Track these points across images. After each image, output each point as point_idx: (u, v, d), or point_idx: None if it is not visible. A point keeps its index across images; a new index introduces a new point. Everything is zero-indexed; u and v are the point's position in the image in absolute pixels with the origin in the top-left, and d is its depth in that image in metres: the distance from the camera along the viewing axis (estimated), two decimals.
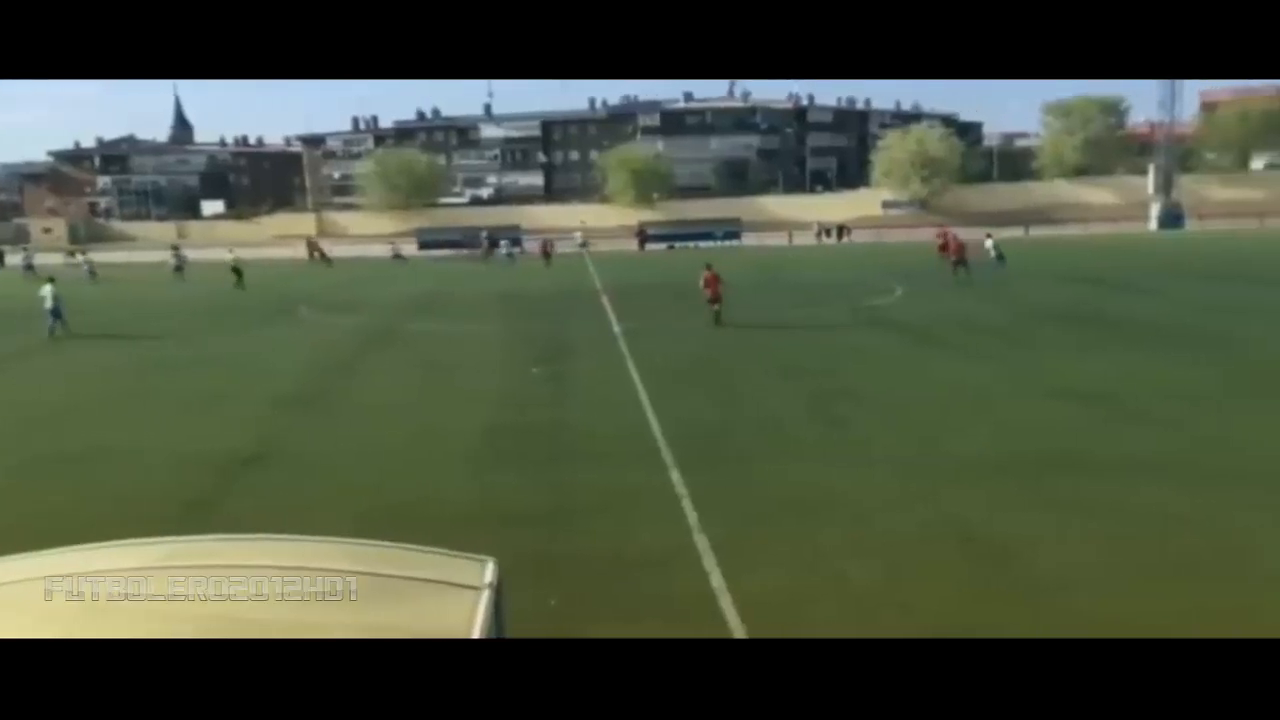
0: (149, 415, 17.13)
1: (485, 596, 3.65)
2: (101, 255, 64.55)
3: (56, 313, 28.44)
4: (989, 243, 41.70)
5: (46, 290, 29.11)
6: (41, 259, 60.68)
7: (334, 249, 69.10)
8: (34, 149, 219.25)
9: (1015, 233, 66.86)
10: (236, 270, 44.29)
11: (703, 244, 67.24)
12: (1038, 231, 74.11)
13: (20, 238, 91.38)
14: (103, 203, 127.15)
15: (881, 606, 8.13)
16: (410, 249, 69.09)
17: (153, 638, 3.04)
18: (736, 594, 8.30)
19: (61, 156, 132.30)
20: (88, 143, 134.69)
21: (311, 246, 64.31)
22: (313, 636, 3.15)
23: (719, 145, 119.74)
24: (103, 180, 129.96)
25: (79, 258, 58.56)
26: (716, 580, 8.69)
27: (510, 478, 12.38)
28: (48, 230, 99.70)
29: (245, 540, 4.22)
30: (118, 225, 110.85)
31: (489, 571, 3.87)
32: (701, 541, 9.71)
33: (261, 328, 29.62)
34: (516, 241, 65.47)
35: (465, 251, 62.38)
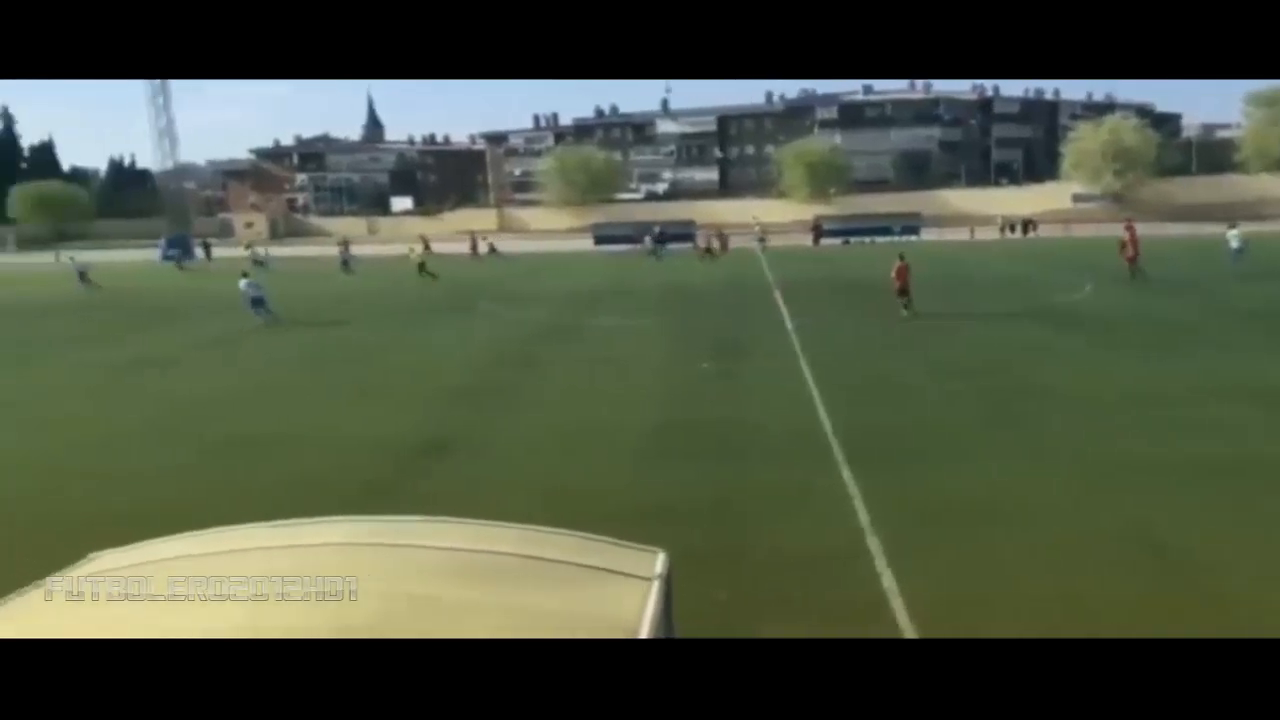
0: (333, 402, 17.97)
1: (655, 588, 3.68)
2: (296, 250, 67.76)
3: (259, 301, 30.18)
4: (1232, 233, 38.66)
5: (243, 283, 30.96)
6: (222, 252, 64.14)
7: (507, 243, 70.78)
8: (237, 147, 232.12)
9: (1217, 229, 63.07)
10: (422, 265, 45.69)
11: (879, 239, 65.89)
12: (1243, 228, 69.64)
13: (225, 232, 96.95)
14: (300, 198, 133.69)
15: (1058, 613, 7.83)
16: (583, 243, 70.00)
17: (326, 616, 3.19)
18: (908, 597, 8.14)
19: (262, 154, 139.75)
20: (287, 141, 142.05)
21: (473, 242, 65.83)
22: (483, 619, 3.24)
23: (899, 137, 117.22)
24: (300, 177, 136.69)
25: (259, 251, 61.84)
26: (888, 582, 8.54)
27: (680, 472, 12.44)
28: (249, 225, 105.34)
29: (420, 522, 4.37)
30: (314, 220, 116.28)
31: (660, 563, 3.90)
32: (873, 543, 9.56)
33: (443, 320, 30.58)
34: (664, 237, 65.47)
35: (637, 246, 62.77)
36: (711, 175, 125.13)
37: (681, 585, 4.07)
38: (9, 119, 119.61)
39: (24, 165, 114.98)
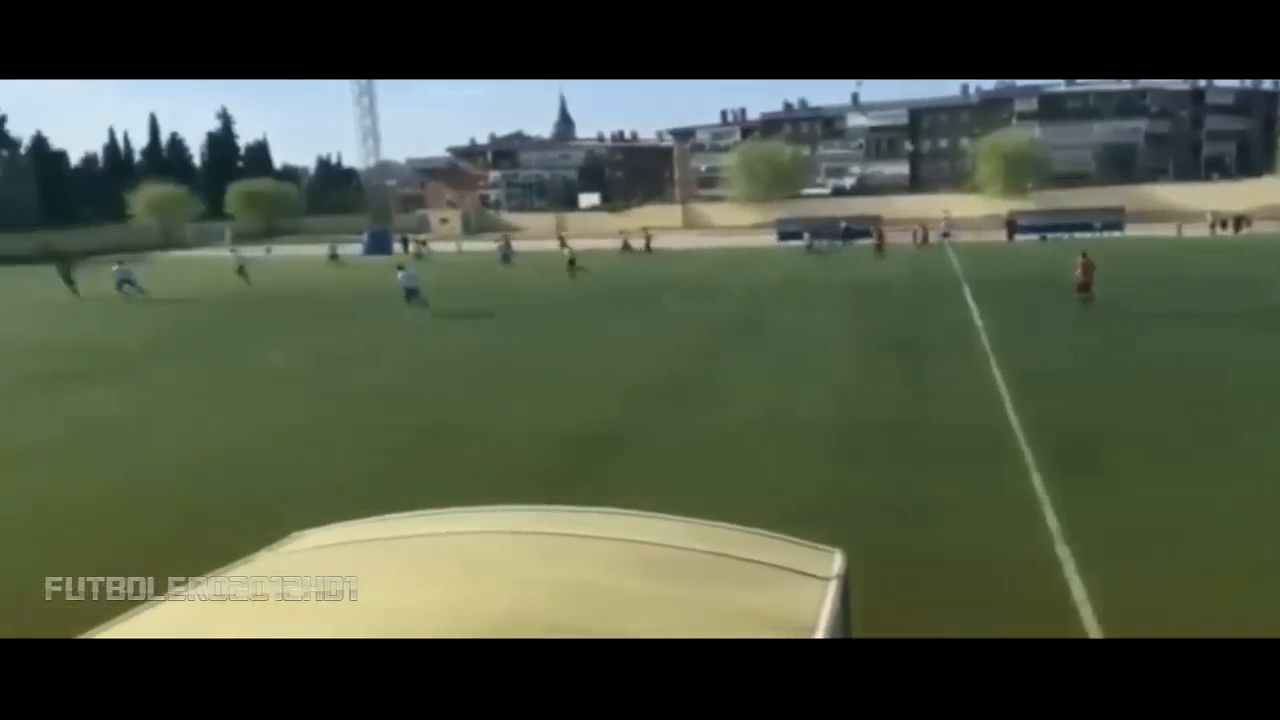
0: (512, 393, 18.44)
1: (833, 587, 3.64)
2: (482, 245, 69.81)
3: (413, 292, 31.50)
4: None
5: (401, 274, 32.42)
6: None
7: (688, 240, 70.91)
8: (436, 146, 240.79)
9: None
10: (571, 262, 46.53)
11: (1079, 235, 63.07)
12: None
13: (422, 227, 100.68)
14: (493, 195, 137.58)
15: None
16: (770, 238, 69.62)
17: (511, 600, 3.29)
18: (1099, 608, 7.80)
19: (458, 152, 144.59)
20: (482, 139, 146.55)
21: (625, 237, 66.58)
22: (656, 612, 3.28)
23: (1102, 130, 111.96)
24: (493, 174, 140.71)
25: (418, 248, 64.84)
26: (1078, 592, 8.21)
27: (860, 470, 12.26)
28: (445, 220, 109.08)
29: (597, 513, 4.45)
30: (505, 216, 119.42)
31: (837, 563, 3.87)
32: (1063, 551, 9.20)
33: (622, 314, 30.94)
34: (850, 232, 64.09)
35: (823, 241, 61.92)
36: (902, 169, 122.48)
37: (859, 587, 4.02)
38: (228, 120, 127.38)
39: (240, 164, 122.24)
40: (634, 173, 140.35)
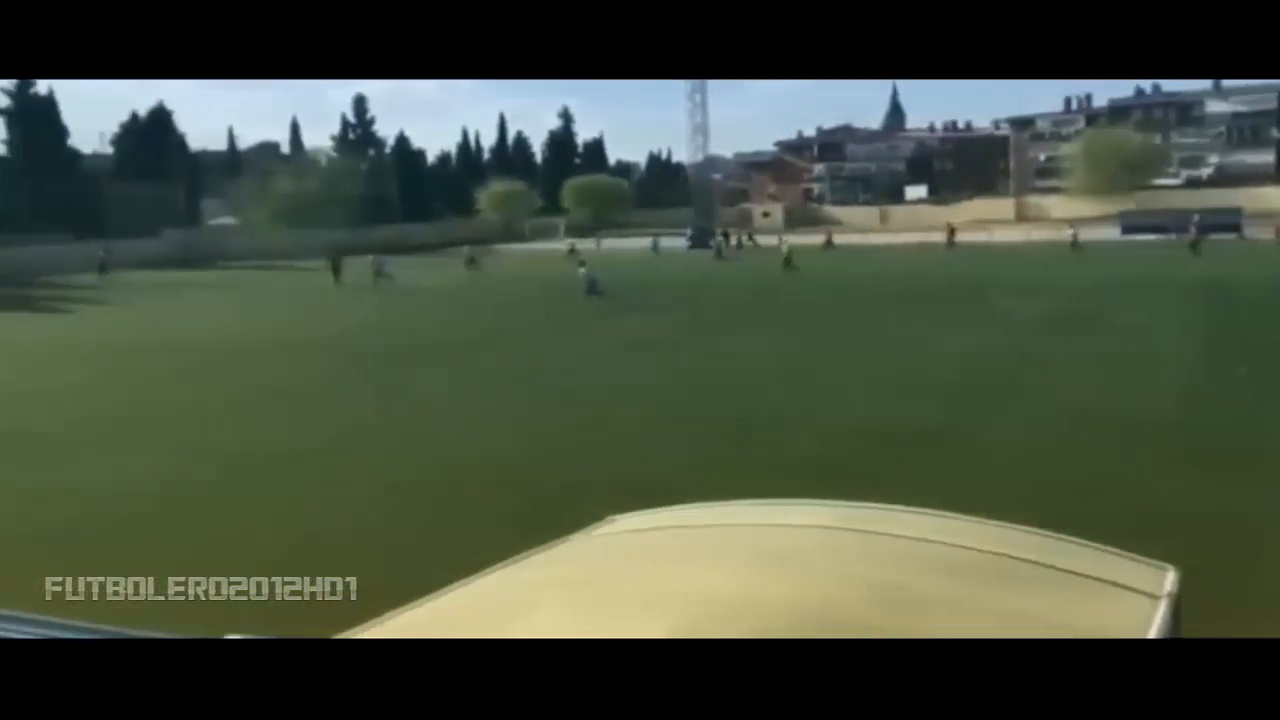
0: (825, 386, 18.32)
1: (1163, 607, 3.38)
2: (805, 238, 69.82)
3: (594, 283, 36.73)
4: None
5: (581, 271, 38.28)
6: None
7: (1016, 233, 67.90)
8: (763, 140, 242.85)
9: None
10: (788, 259, 45.91)
11: None
12: None
13: (743, 221, 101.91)
14: (816, 189, 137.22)
15: None
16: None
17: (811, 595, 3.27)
18: None
19: (785, 146, 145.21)
20: (809, 132, 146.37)
21: (950, 232, 64.77)
22: (965, 619, 3.16)
23: None
24: (818, 168, 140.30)
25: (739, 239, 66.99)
26: None
27: (1193, 481, 11.33)
28: (766, 214, 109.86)
29: (906, 512, 4.34)
30: (828, 209, 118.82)
31: (1170, 581, 3.59)
32: None
33: (949, 308, 30.03)
34: (1167, 227, 58.75)
35: (1172, 236, 57.28)
36: (1267, 158, 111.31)
37: (1189, 608, 3.71)
38: (568, 119, 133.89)
39: (577, 161, 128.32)
40: (964, 164, 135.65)
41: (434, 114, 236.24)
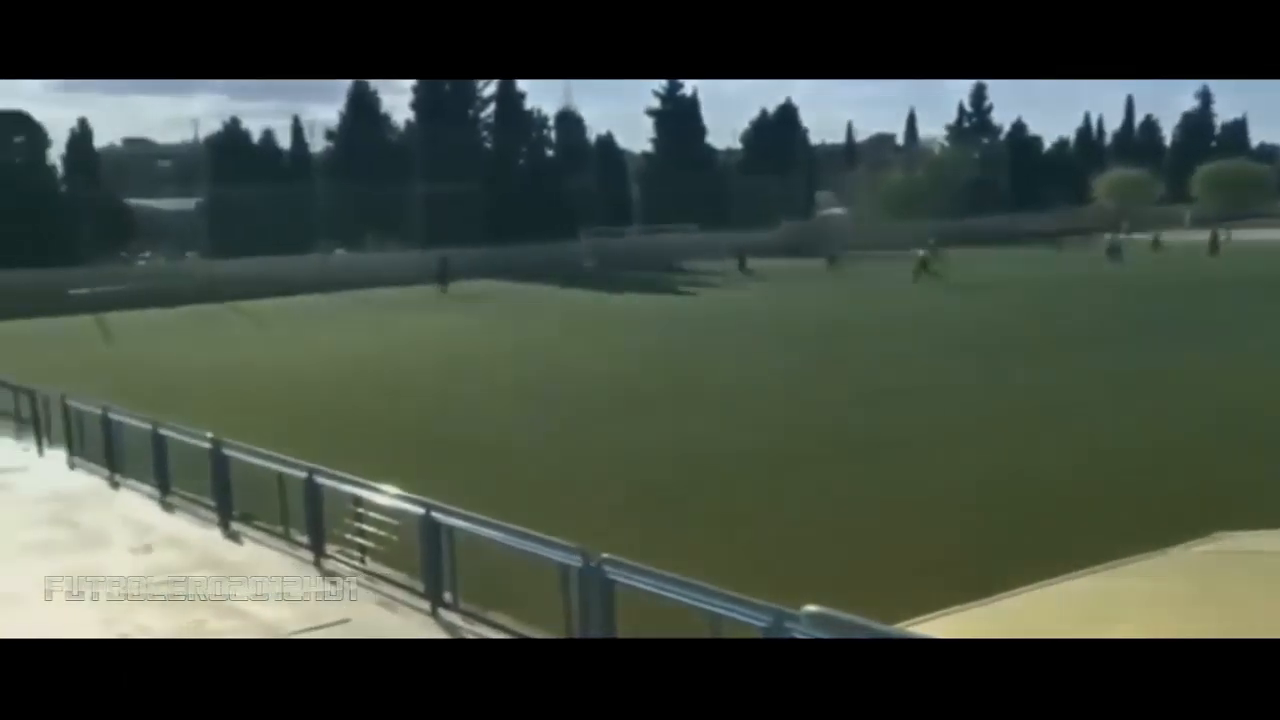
0: None
1: None
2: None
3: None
4: None
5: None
6: None
7: None
8: None
9: None
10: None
11: None
12: None
13: None
14: None
15: None
16: None
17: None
18: None
19: None
20: None
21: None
22: None
23: None
24: None
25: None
26: None
27: None
28: None
29: None
30: None
31: None
32: None
33: None
34: None
35: None
36: None
37: None
38: (1206, 98, 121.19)
39: (1214, 144, 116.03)
40: None
41: (1054, 100, 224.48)
